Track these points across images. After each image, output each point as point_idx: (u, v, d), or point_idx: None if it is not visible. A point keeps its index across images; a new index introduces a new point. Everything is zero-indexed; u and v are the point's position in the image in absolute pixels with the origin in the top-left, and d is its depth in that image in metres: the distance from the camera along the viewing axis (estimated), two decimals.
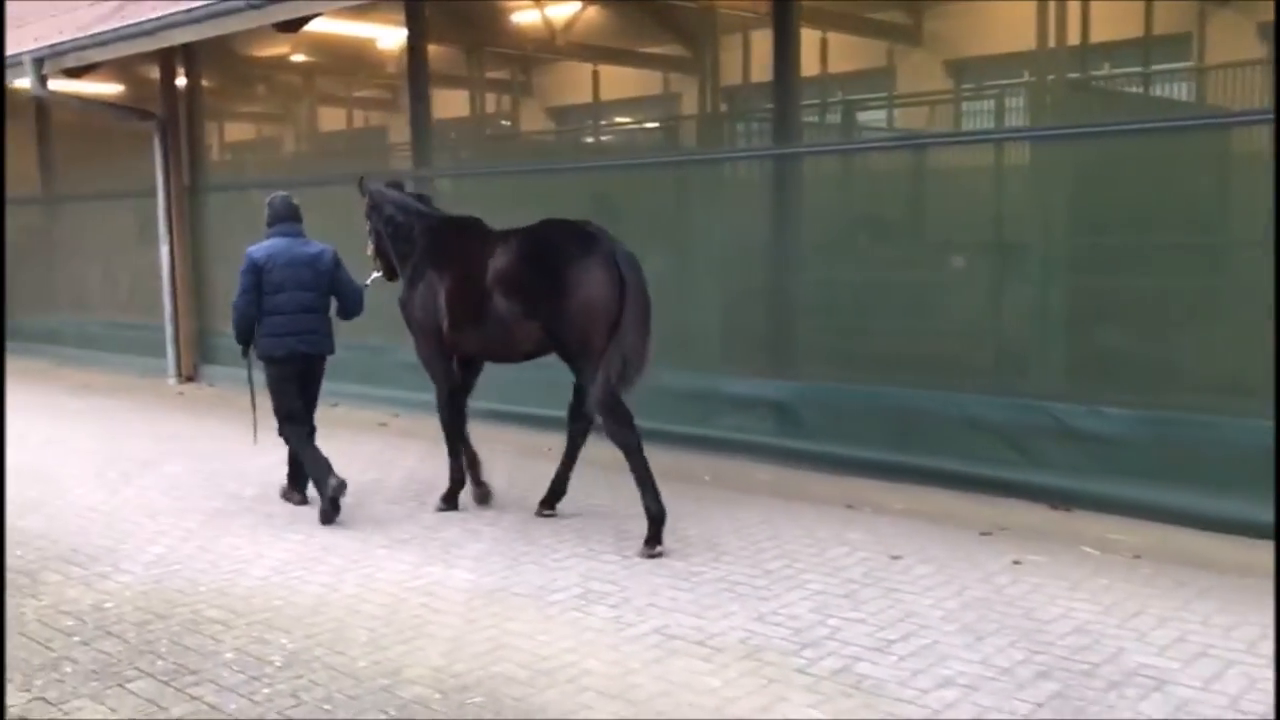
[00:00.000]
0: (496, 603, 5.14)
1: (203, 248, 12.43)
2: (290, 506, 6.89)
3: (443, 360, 6.66)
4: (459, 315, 6.35)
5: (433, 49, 10.33)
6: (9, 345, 15.29)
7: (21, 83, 14.21)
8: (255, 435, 7.03)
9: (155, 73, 12.68)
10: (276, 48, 12.49)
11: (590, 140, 10.71)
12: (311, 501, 6.87)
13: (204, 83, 12.46)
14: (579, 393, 6.22)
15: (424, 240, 6.66)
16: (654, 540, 5.79)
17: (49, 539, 6.31)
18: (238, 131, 13.32)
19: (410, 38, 10.28)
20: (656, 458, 6.05)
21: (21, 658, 4.58)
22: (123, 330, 13.49)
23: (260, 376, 6.88)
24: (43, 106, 14.67)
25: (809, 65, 7.96)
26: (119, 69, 12.73)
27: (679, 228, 8.52)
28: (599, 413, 5.92)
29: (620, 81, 11.69)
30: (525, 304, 6.04)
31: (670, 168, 8.82)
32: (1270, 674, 4.16)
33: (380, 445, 8.72)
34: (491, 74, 12.08)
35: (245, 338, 6.76)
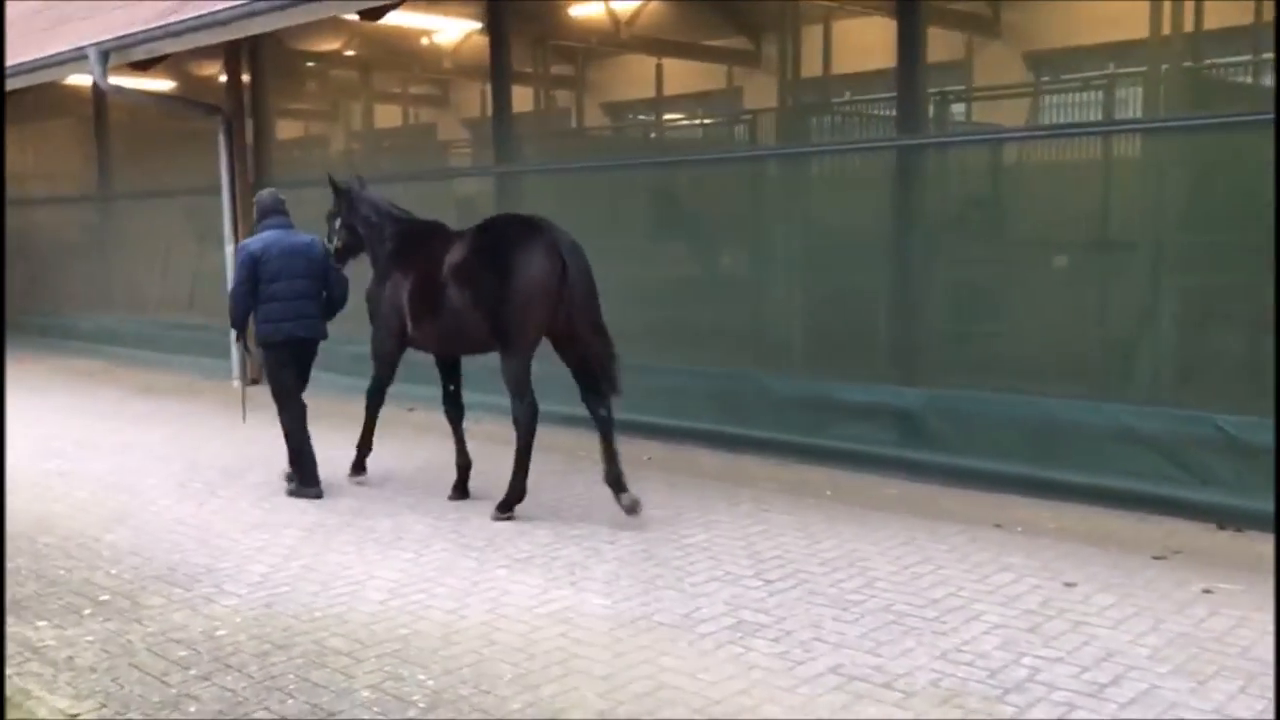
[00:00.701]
0: (642, 633, 4.68)
1: None
2: (397, 525, 6.46)
3: (393, 353, 7.21)
4: (419, 310, 6.76)
5: (513, 41, 9.90)
6: (64, 344, 15.01)
7: (79, 78, 13.98)
8: (244, 415, 7.77)
9: (218, 69, 12.36)
10: (342, 42, 12.14)
11: (680, 134, 10.27)
12: (336, 491, 6.52)
13: (269, 78, 12.09)
14: (585, 385, 6.45)
15: (393, 242, 7.09)
16: (507, 507, 6.43)
17: (141, 556, 5.91)
18: (303, 128, 12.96)
19: (490, 30, 9.88)
20: (767, 467, 5.61)
21: (138, 694, 4.17)
22: (183, 331, 13.16)
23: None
24: (100, 103, 14.43)
25: (934, 53, 7.45)
26: (181, 65, 12.40)
27: (791, 223, 8.04)
28: (511, 391, 6.37)
29: (704, 76, 11.24)
30: (474, 292, 6.39)
31: (779, 160, 8.34)
32: None
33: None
34: (566, 69, 11.66)
35: (241, 325, 7.13)
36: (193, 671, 4.37)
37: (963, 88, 7.55)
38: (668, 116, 10.17)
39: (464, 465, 7.04)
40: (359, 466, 7.43)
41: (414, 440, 8.70)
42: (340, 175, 7.57)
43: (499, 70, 9.74)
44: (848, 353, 7.82)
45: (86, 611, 5.07)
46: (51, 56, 11.25)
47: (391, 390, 10.23)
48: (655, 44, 9.91)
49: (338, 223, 7.45)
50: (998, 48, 9.26)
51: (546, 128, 10.44)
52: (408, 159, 11.99)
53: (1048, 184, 7.14)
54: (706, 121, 9.63)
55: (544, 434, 8.26)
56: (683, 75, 10.60)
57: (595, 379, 6.36)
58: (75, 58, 11.02)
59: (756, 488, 7.06)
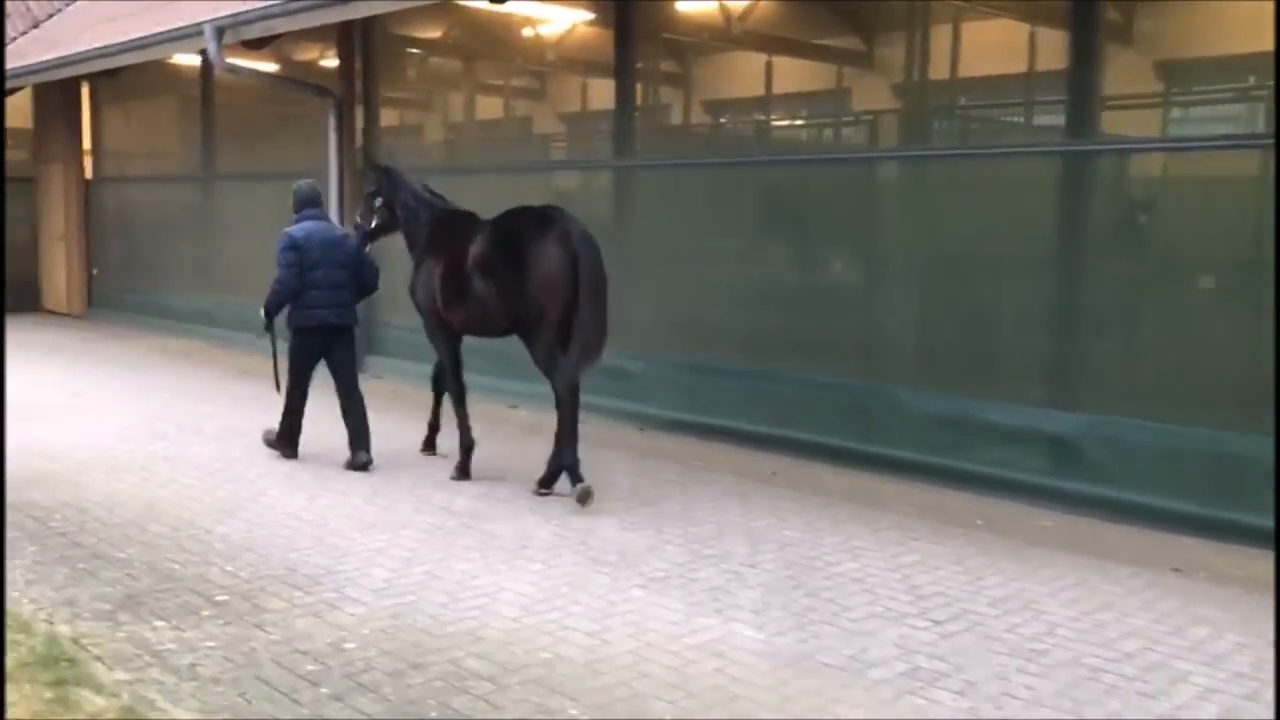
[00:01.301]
0: (808, 675, 4.25)
1: None
2: (519, 531, 6.09)
3: (444, 335, 7.33)
4: (449, 295, 7.06)
5: (639, 31, 9.50)
6: (160, 323, 14.96)
7: (187, 58, 13.90)
8: (277, 384, 7.71)
9: (326, 52, 12.17)
10: (454, 28, 11.85)
11: (804, 133, 9.80)
12: (453, 490, 6.09)
13: (380, 62, 11.85)
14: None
15: (427, 229, 7.37)
16: (549, 483, 6.70)
17: (256, 552, 5.62)
18: (411, 114, 12.69)
19: (614, 23, 9.51)
20: (900, 489, 5.13)
21: (269, 712, 3.83)
22: (282, 315, 12.96)
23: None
24: (207, 83, 14.35)
25: (1112, 56, 6.91)
26: (291, 47, 12.24)
27: (936, 228, 7.53)
28: (562, 385, 6.59)
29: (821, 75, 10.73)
30: (498, 283, 6.72)
31: (926, 162, 7.84)
32: None
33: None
34: (684, 65, 11.20)
35: (278, 310, 7.41)
36: (324, 690, 4.02)
37: (1133, 93, 6.99)
38: (799, 114, 9.71)
39: (435, 427, 7.74)
40: (462, 469, 7.25)
41: (521, 438, 8.37)
42: (380, 158, 7.95)
43: (622, 64, 9.35)
44: (993, 371, 7.29)
45: (205, 613, 4.77)
46: (167, 32, 11.11)
47: (494, 386, 10.01)
48: (780, 42, 9.49)
49: (377, 201, 7.68)
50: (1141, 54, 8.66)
51: (666, 122, 10.02)
52: (519, 149, 11.67)
53: (1230, 198, 6.56)
54: (847, 120, 9.14)
55: (658, 440, 7.89)
56: (802, 73, 10.15)
57: (572, 349, 6.56)
58: (190, 33, 10.86)
59: (894, 511, 6.58)
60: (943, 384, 7.39)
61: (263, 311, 7.46)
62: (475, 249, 6.84)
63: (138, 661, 4.24)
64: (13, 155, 19.10)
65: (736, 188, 8.93)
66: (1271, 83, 6.12)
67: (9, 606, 4.73)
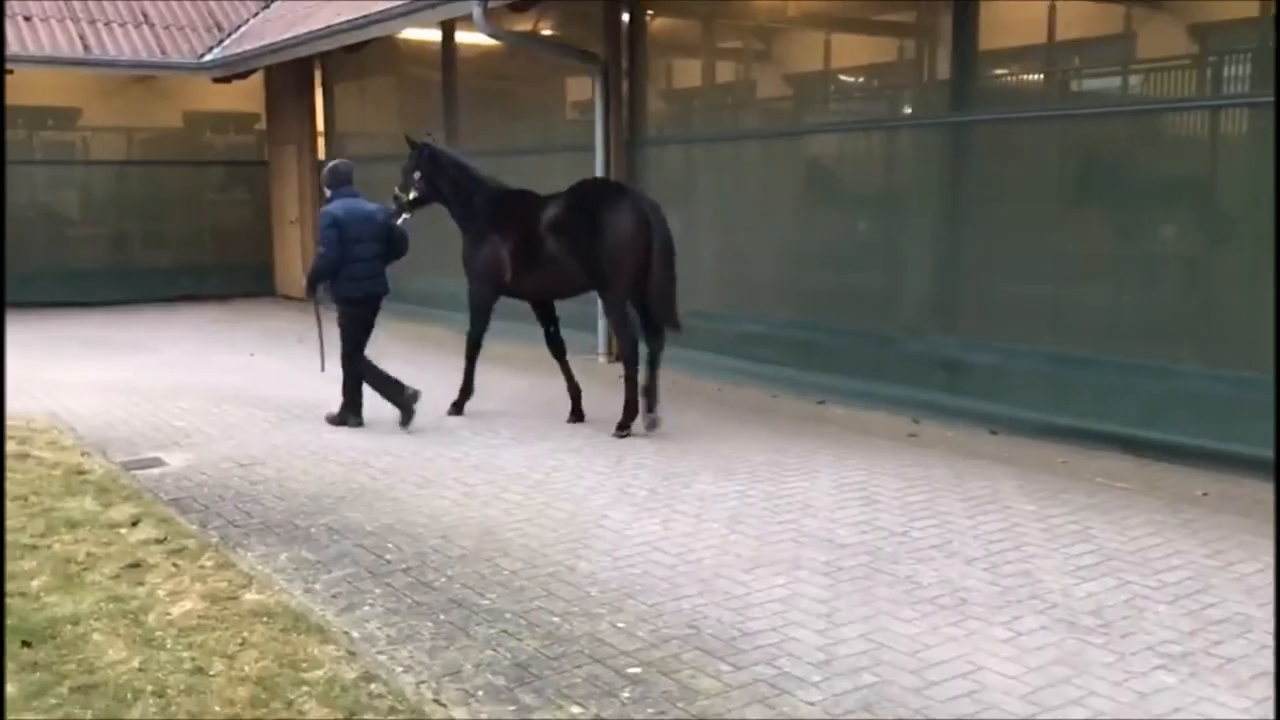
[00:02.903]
0: None
1: None
2: (941, 577, 4.94)
3: (490, 304, 8.27)
4: (521, 263, 7.79)
5: None
6: (397, 307, 14.45)
7: (422, 33, 13.24)
8: (323, 364, 8.05)
9: (594, 13, 11.21)
10: None
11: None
12: (823, 521, 4.91)
13: (650, 23, 10.83)
14: (646, 324, 7.63)
15: (486, 209, 8.03)
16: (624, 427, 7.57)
17: (641, 601, 4.62)
18: (685, 77, 11.62)
19: None
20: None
21: None
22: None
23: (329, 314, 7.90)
24: (448, 58, 13.66)
25: None
26: (554, 10, 11.35)
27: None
28: (622, 336, 7.61)
29: None
30: (571, 243, 7.49)
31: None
32: None
33: (942, 472, 6.66)
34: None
35: (320, 282, 7.77)
36: None
37: None
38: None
39: (575, 392, 8.17)
40: (458, 407, 8.25)
41: (853, 445, 7.20)
42: (417, 134, 8.48)
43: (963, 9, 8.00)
44: None
45: (625, 694, 3.79)
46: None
47: (800, 379, 8.91)
48: None
49: (416, 175, 8.24)
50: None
51: (1022, 66, 8.62)
52: (804, 111, 10.47)
53: None
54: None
55: (1019, 447, 6.52)
56: None
57: (656, 321, 7.55)
58: None
59: None
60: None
61: (305, 284, 7.96)
62: (548, 215, 7.63)
63: None
64: (240, 139, 19.20)
65: (1093, 143, 7.50)
66: None
67: (384, 676, 3.87)
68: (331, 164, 8.00)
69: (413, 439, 7.60)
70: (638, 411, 7.59)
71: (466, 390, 8.32)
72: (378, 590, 4.78)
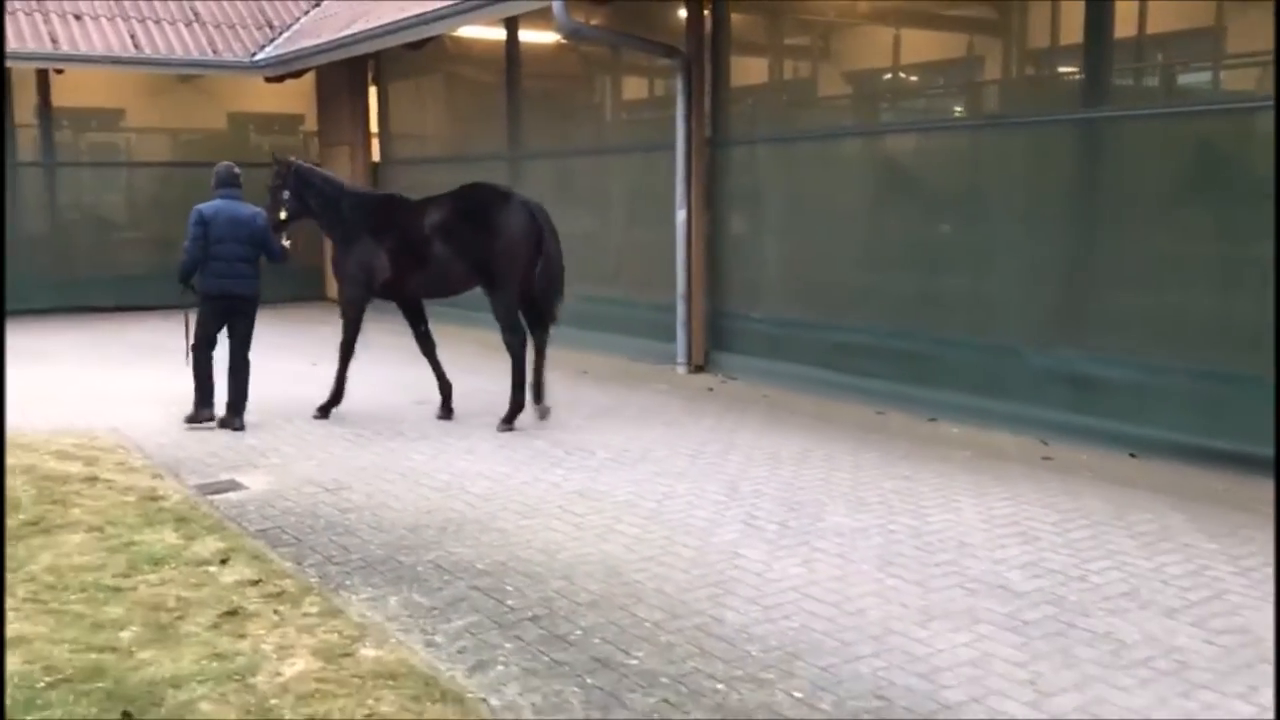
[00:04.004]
0: None
1: (723, 213, 10.28)
2: (1144, 634, 4.34)
3: (363, 304, 8.42)
4: (403, 265, 8.12)
5: None
6: (456, 314, 13.92)
7: (476, 30, 12.73)
8: (188, 353, 8.20)
9: (674, 7, 10.66)
10: None
11: None
12: (971, 556, 4.31)
13: (733, 17, 10.26)
14: (534, 323, 8.07)
15: (356, 214, 8.37)
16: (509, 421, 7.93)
17: (811, 663, 4.05)
18: (771, 73, 11.02)
19: None
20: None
21: None
22: (606, 306, 11.63)
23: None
24: (511, 54, 13.15)
25: None
26: (633, 4, 10.80)
27: None
28: (513, 333, 7.90)
29: None
30: (460, 245, 7.90)
31: None
32: None
33: (1096, 503, 6.05)
34: None
35: (187, 278, 8.05)
36: None
37: None
38: None
39: (445, 390, 8.44)
40: (324, 411, 8.39)
41: (972, 471, 6.60)
42: (281, 153, 8.97)
43: None
44: None
45: None
46: None
47: (908, 394, 8.32)
48: None
49: (285, 194, 8.54)
50: None
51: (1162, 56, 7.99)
52: (908, 105, 9.88)
53: None
54: None
55: (1158, 472, 5.81)
56: None
57: (542, 311, 8.03)
58: None
59: None
60: None
61: (179, 280, 8.09)
62: (432, 219, 7.99)
63: None
64: (285, 141, 18.78)
65: (1239, 140, 6.86)
66: None
67: None
68: (217, 166, 8.28)
69: (504, 461, 7.07)
70: (524, 406, 7.95)
71: (337, 395, 8.40)
72: (507, 644, 4.23)
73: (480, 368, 9.80)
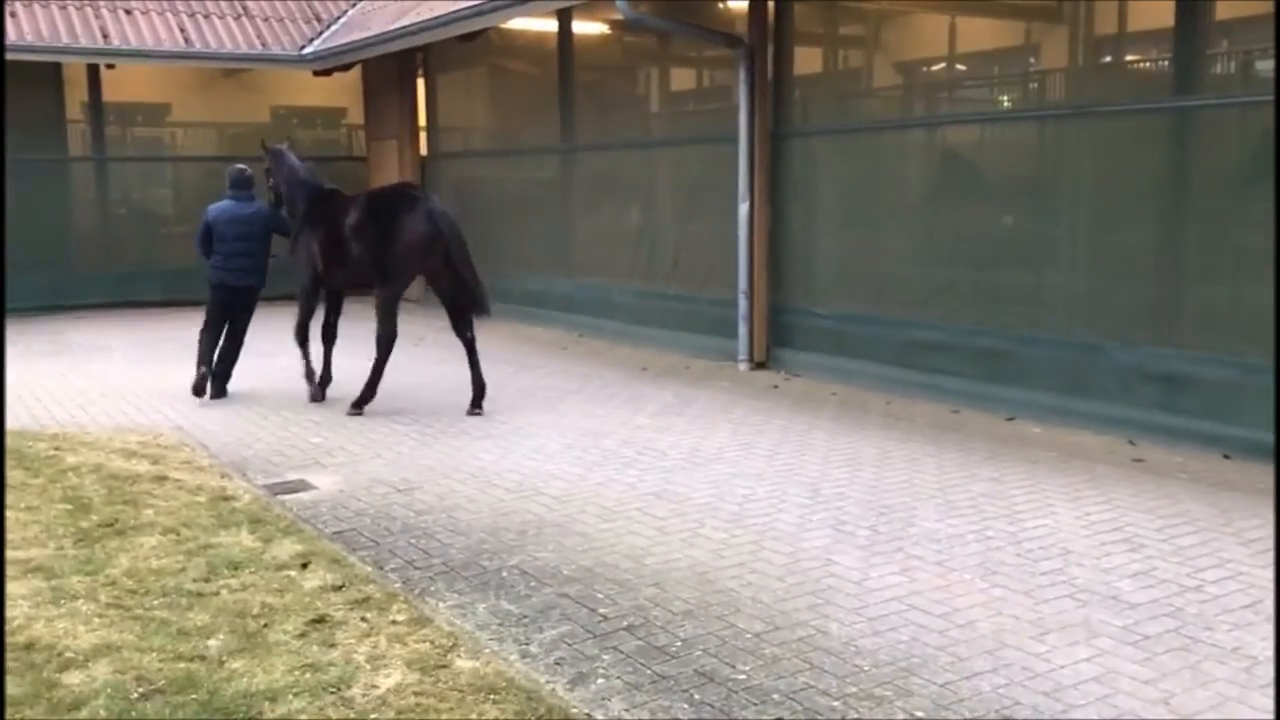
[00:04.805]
0: None
1: (785, 206, 10.07)
2: (1252, 637, 4.12)
3: (313, 295, 8.83)
4: (329, 259, 8.48)
5: None
6: (507, 308, 13.78)
7: (526, 22, 12.57)
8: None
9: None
10: None
11: None
12: (1082, 572, 4.09)
13: (797, 4, 10.03)
14: (453, 314, 8.41)
15: (304, 206, 8.76)
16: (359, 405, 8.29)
17: (929, 680, 3.85)
18: (833, 62, 10.79)
19: None
20: None
21: None
22: (664, 301, 11.47)
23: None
24: (564, 45, 12.96)
25: None
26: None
27: None
28: (384, 324, 8.23)
29: None
30: (368, 245, 8.18)
31: None
32: None
33: (1200, 508, 5.81)
34: None
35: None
36: None
37: None
38: None
39: (325, 380, 8.88)
40: (316, 394, 8.79)
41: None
42: (272, 141, 9.50)
43: None
44: None
45: None
46: None
47: (983, 392, 8.09)
48: None
49: (270, 180, 9.23)
50: None
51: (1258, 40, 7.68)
52: (988, 95, 9.62)
53: None
54: None
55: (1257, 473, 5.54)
56: None
57: (464, 309, 8.32)
58: None
59: None
60: None
61: None
62: (350, 220, 8.27)
63: None
64: (328, 135, 18.74)
65: None
66: None
67: None
68: (229, 169, 9.09)
69: (574, 461, 6.91)
70: (374, 394, 8.25)
71: (309, 375, 8.82)
72: (605, 657, 4.07)
73: (515, 358, 9.64)
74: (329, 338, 8.94)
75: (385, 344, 8.19)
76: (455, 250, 8.08)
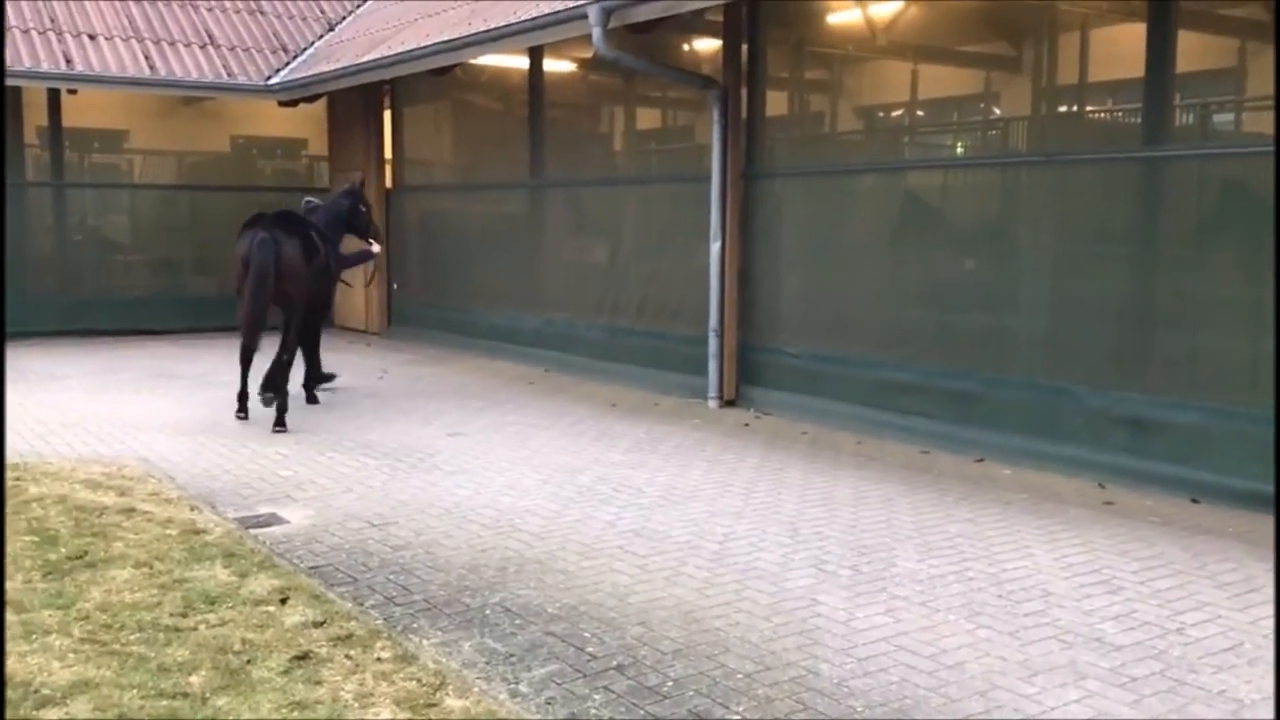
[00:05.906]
0: None
1: (756, 246, 10.14)
2: (1262, 692, 4.16)
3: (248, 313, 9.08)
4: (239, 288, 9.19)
5: None
6: (473, 343, 13.74)
7: (508, 59, 12.63)
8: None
9: (710, 37, 10.58)
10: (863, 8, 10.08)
11: None
12: (1066, 609, 4.13)
13: (770, 47, 10.17)
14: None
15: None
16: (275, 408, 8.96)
17: None
18: (805, 105, 10.93)
19: None
20: None
21: None
22: (632, 338, 11.48)
23: None
24: (536, 85, 13.03)
25: None
26: (668, 33, 10.70)
27: None
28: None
29: None
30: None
31: None
32: None
33: (1172, 550, 5.89)
34: None
35: None
36: None
37: None
38: None
39: (242, 397, 9.18)
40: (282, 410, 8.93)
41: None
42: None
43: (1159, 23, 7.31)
44: None
45: None
46: (544, 16, 9.72)
47: (952, 434, 8.15)
48: None
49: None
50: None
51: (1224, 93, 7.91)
52: (956, 142, 9.79)
53: None
54: None
55: (1225, 518, 5.63)
56: None
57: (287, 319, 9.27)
58: (571, 17, 9.45)
59: None
60: None
61: None
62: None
63: None
64: (288, 165, 18.68)
65: None
66: None
67: None
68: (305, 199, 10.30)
69: (550, 498, 6.86)
70: (244, 395, 9.15)
71: (241, 394, 9.25)
72: (597, 696, 4.02)
73: (483, 393, 9.59)
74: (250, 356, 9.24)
75: (243, 354, 8.98)
76: (261, 272, 8.74)
